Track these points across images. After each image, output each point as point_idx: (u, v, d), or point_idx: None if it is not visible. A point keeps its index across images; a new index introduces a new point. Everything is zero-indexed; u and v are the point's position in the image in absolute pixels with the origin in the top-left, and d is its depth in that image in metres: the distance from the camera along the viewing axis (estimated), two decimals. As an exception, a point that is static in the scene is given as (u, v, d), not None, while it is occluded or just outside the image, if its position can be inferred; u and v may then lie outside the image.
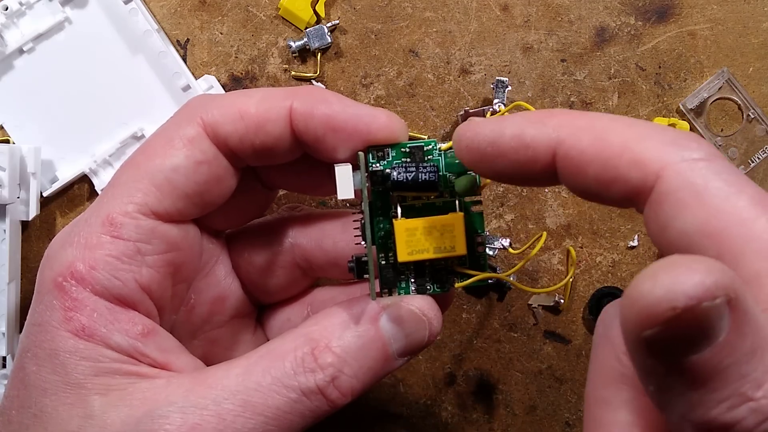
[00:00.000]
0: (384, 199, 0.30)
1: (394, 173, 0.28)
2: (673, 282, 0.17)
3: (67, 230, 0.30)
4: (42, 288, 0.28)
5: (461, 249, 0.28)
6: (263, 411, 0.26)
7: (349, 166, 0.28)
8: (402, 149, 0.30)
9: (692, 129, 0.44)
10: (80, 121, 0.43)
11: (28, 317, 0.29)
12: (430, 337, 0.29)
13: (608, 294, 0.44)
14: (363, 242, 0.29)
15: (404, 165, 0.29)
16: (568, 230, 0.44)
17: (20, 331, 0.41)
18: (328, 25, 0.43)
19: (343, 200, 0.30)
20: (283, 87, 0.40)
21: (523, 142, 0.24)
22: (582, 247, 0.44)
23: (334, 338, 0.28)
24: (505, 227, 0.44)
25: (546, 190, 0.44)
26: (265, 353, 0.28)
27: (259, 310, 0.37)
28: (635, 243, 0.44)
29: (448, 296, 0.31)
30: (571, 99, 0.44)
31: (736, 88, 0.44)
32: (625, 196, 0.22)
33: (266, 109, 0.29)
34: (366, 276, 0.29)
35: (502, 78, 0.42)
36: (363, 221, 0.28)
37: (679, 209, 0.21)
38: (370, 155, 0.29)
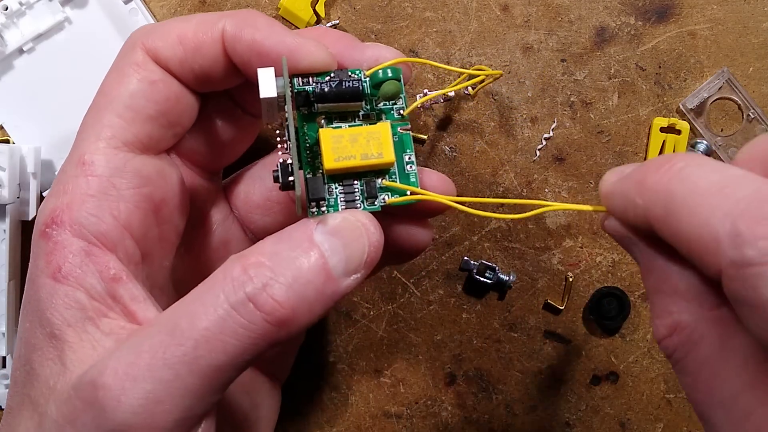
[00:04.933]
0: (309, 119, 0.29)
1: (318, 87, 0.28)
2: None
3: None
4: (32, 243, 0.29)
5: (389, 156, 0.28)
6: (191, 334, 0.25)
7: (272, 68, 0.28)
8: (327, 76, 0.29)
9: (692, 129, 0.44)
10: (80, 121, 0.42)
11: None
12: (370, 247, 0.28)
13: (608, 294, 0.44)
14: (287, 145, 0.27)
15: (328, 81, 0.29)
16: (568, 230, 0.44)
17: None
18: (328, 25, 0.43)
19: (268, 119, 0.29)
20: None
21: (626, 220, 0.26)
22: (582, 247, 0.44)
23: (265, 252, 0.27)
24: (505, 228, 0.44)
25: (546, 189, 0.44)
26: (201, 283, 0.27)
27: None
28: (635, 243, 0.44)
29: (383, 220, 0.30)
30: (571, 99, 0.44)
31: (736, 88, 0.44)
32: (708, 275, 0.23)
33: (203, 32, 0.30)
34: (291, 179, 0.27)
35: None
36: (286, 123, 0.27)
37: (740, 314, 0.21)
38: (296, 80, 0.29)
